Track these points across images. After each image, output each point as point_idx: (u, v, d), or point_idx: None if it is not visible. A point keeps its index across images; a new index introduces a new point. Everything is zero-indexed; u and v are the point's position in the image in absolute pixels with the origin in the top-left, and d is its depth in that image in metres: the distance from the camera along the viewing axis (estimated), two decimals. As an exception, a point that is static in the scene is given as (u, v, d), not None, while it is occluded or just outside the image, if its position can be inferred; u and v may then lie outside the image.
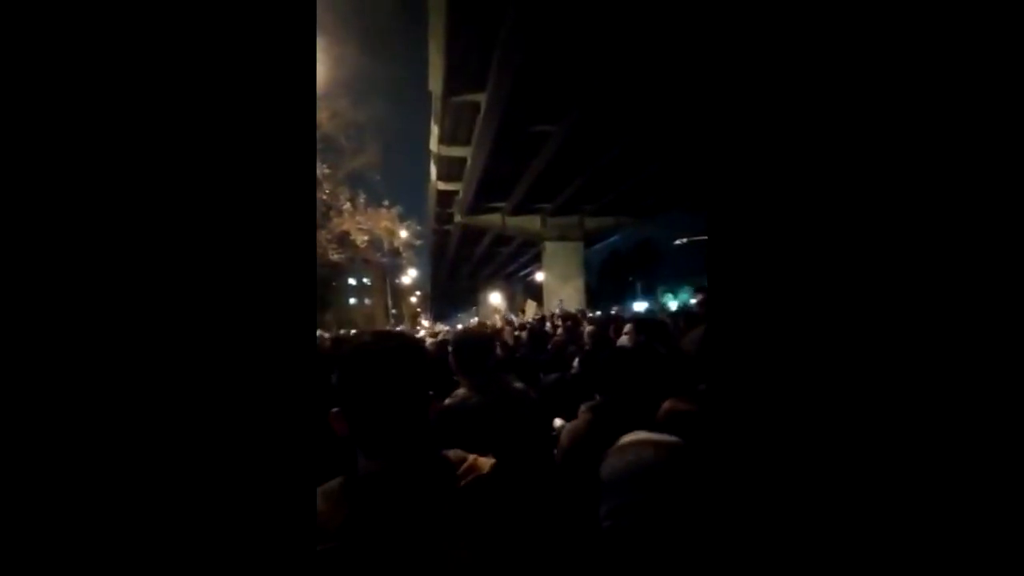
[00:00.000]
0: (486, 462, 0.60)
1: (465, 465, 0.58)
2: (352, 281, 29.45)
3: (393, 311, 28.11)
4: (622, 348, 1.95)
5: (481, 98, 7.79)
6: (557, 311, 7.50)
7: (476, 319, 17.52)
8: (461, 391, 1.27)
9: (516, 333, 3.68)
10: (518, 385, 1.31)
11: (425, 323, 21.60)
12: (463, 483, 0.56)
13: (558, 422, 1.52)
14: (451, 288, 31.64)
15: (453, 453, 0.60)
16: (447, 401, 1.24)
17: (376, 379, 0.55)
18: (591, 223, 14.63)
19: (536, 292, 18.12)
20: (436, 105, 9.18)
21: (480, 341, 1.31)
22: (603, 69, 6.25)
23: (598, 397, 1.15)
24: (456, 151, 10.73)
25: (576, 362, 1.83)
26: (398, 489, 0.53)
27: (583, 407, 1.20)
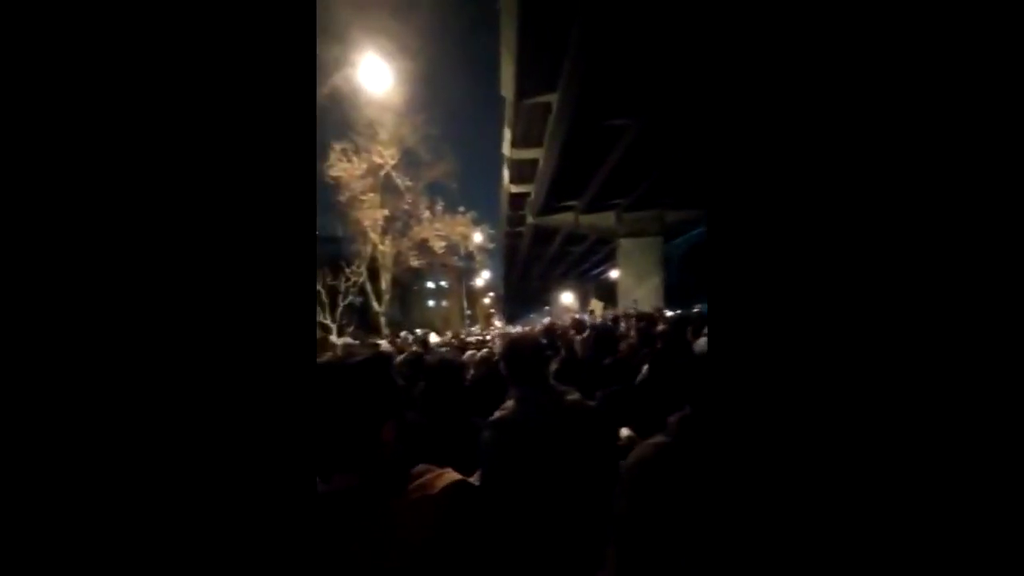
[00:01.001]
0: (447, 479, 0.58)
1: (417, 483, 0.58)
2: (431, 284, 31.15)
3: (468, 312, 29.17)
4: (701, 353, 1.78)
5: (552, 99, 7.78)
6: (631, 310, 7.20)
7: (548, 319, 17.48)
8: (510, 403, 1.16)
9: (582, 334, 3.57)
10: (573, 397, 1.17)
11: (498, 324, 22.05)
12: (405, 502, 0.55)
13: (625, 432, 1.45)
14: (523, 289, 31.97)
15: (418, 470, 0.59)
16: (496, 414, 1.15)
17: (323, 398, 0.55)
18: (672, 216, 13.78)
19: (610, 290, 17.57)
20: (508, 110, 9.37)
21: (531, 349, 1.19)
22: (679, 58, 5.87)
23: (688, 408, 1.06)
24: (528, 153, 10.84)
25: (645, 368, 1.72)
26: (344, 506, 0.54)
27: (671, 419, 1.09)
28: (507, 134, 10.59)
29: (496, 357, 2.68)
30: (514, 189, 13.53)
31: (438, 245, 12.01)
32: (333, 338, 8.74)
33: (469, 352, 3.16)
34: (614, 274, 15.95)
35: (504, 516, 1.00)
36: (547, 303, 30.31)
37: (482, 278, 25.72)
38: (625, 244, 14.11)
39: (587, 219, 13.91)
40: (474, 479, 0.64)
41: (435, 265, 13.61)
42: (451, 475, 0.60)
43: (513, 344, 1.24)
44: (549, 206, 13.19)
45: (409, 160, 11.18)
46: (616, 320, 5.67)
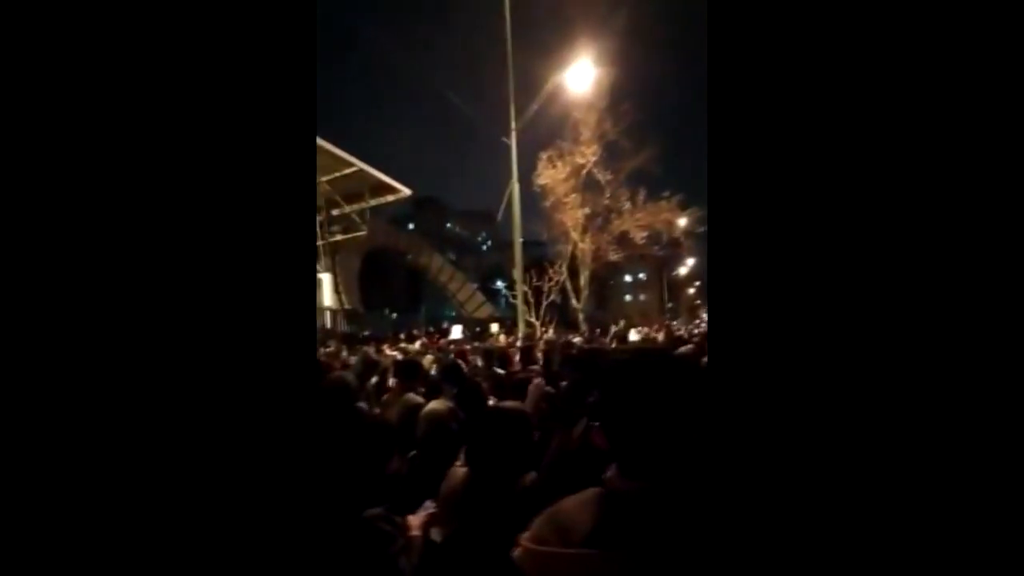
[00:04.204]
0: None
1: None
2: (628, 278, 30.23)
3: (669, 304, 27.01)
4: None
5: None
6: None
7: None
8: None
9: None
10: None
11: (705, 316, 19.41)
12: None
13: None
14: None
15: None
16: None
17: (637, 397, 0.54)
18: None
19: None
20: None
21: None
22: None
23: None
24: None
25: None
26: (649, 509, 0.51)
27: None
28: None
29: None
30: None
31: (639, 236, 11.33)
32: (540, 334, 9.23)
33: (682, 348, 3.08)
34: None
35: None
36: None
37: (686, 266, 23.31)
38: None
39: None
40: None
41: (633, 257, 12.93)
42: None
43: None
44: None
45: (610, 153, 10.88)
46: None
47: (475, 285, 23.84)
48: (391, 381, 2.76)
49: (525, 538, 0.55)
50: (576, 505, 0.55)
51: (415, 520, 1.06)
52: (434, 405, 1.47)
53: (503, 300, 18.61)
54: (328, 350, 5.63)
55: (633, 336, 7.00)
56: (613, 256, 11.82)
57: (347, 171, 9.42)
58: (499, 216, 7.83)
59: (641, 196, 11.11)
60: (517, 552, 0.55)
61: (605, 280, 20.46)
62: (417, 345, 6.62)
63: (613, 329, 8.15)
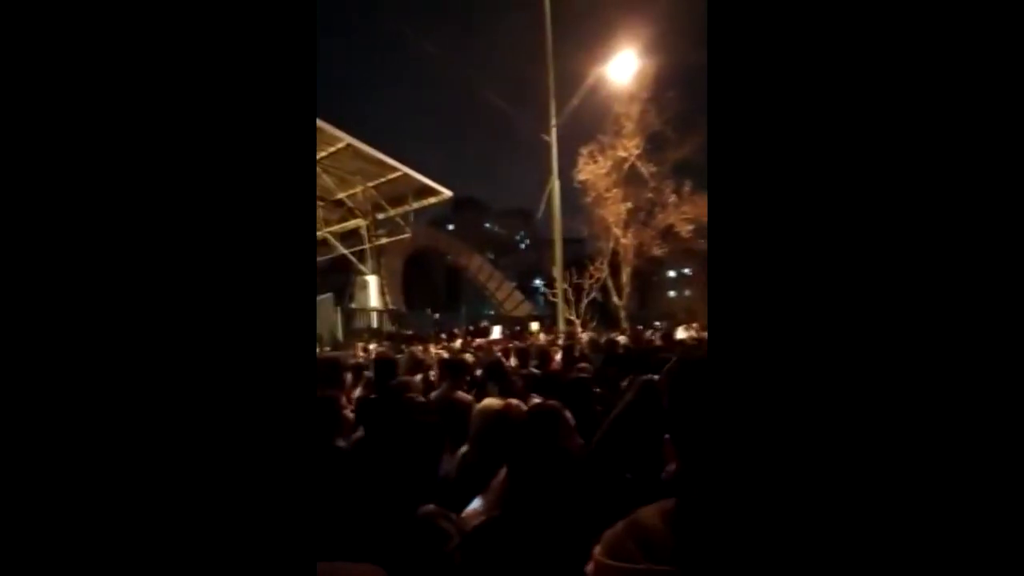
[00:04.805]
0: None
1: None
2: (671, 273, 29.07)
3: (717, 301, 25.56)
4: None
5: None
6: None
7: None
8: None
9: None
10: None
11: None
12: None
13: None
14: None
15: None
16: None
17: (701, 400, 0.52)
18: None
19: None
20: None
21: None
22: None
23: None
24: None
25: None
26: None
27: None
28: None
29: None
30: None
31: (684, 229, 10.86)
32: (580, 332, 9.08)
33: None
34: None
35: None
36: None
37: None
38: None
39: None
40: None
41: (678, 252, 12.44)
42: None
43: None
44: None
45: (654, 144, 10.50)
46: None
47: (513, 284, 23.88)
48: (432, 375, 2.82)
49: (599, 552, 0.51)
50: (658, 518, 0.52)
51: (471, 516, 1.06)
52: (489, 402, 1.47)
53: (541, 298, 18.57)
54: (380, 349, 5.85)
55: (680, 334, 6.70)
56: (657, 251, 11.42)
57: (391, 176, 9.73)
58: (539, 214, 7.80)
59: (687, 188, 10.64)
60: (591, 567, 0.51)
61: (648, 276, 19.78)
62: (458, 344, 6.72)
63: (656, 326, 7.83)
